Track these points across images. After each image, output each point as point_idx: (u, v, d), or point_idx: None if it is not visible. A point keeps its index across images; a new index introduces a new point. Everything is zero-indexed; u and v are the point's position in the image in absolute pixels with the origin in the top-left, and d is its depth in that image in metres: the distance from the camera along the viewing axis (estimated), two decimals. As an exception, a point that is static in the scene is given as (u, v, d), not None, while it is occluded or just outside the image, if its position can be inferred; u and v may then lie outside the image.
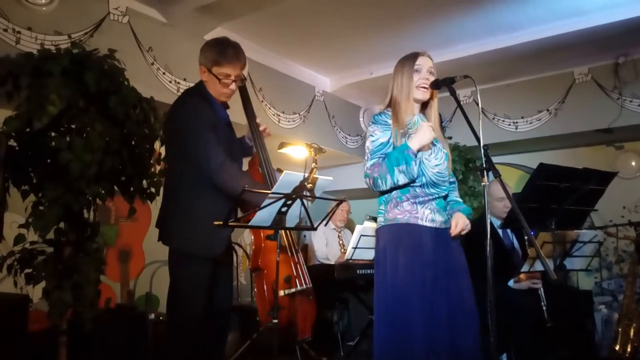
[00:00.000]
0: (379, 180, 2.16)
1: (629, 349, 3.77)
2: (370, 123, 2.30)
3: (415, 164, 2.15)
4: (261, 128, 2.72)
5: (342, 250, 4.93)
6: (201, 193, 2.33)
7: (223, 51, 2.40)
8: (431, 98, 2.32)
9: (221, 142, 2.34)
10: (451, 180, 2.41)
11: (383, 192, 2.26)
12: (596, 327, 4.32)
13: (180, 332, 2.35)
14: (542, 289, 3.26)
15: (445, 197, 2.34)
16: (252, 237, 3.54)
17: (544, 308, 3.18)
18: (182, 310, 2.35)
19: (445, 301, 2.12)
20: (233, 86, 2.44)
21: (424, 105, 2.35)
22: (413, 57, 2.29)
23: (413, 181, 2.19)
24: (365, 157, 2.27)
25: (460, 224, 2.20)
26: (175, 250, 2.39)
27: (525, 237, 3.52)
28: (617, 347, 3.82)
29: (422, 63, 2.27)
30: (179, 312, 2.37)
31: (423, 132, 2.15)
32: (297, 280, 3.47)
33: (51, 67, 2.60)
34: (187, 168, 2.35)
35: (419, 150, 2.18)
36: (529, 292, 3.29)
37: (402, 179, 2.14)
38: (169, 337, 2.44)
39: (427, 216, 2.20)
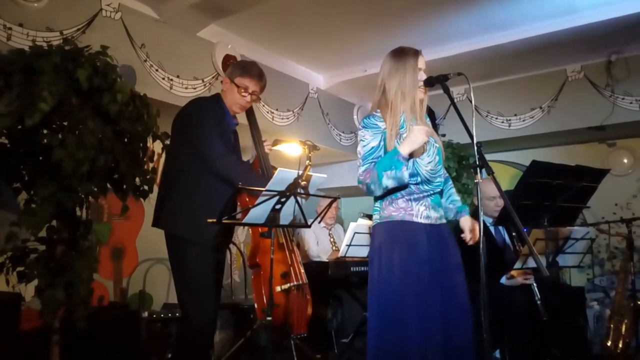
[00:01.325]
0: (372, 186, 2.14)
1: (620, 345, 3.80)
2: (360, 127, 2.25)
3: (407, 168, 2.12)
4: (266, 144, 2.91)
5: (334, 247, 4.92)
6: (201, 179, 2.43)
7: (249, 68, 2.70)
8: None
9: (225, 139, 2.50)
10: (446, 176, 2.42)
11: (378, 197, 2.25)
12: (588, 323, 4.35)
13: (196, 323, 2.40)
14: (535, 284, 3.28)
15: (440, 193, 2.34)
16: (250, 234, 3.54)
17: (539, 303, 3.19)
18: (199, 291, 2.41)
19: (440, 297, 2.12)
20: (248, 98, 2.67)
21: None
22: (414, 55, 2.23)
23: (405, 185, 2.18)
24: (358, 163, 2.23)
25: (476, 231, 2.23)
26: (171, 236, 2.42)
27: (513, 234, 3.54)
28: (609, 343, 3.85)
29: (422, 65, 2.25)
30: (194, 293, 2.41)
31: (414, 136, 2.10)
32: (293, 276, 3.47)
33: (43, 64, 2.57)
34: (190, 154, 2.46)
35: (411, 155, 2.15)
36: (522, 288, 3.31)
37: (391, 184, 2.12)
38: (184, 330, 2.48)
39: (422, 213, 2.20)
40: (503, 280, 3.36)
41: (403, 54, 2.25)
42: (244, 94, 2.64)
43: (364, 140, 2.21)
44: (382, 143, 2.19)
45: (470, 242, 2.26)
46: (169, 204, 2.45)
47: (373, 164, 2.15)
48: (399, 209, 2.19)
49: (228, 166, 2.41)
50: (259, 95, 2.73)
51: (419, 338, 2.04)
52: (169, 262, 2.47)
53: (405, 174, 2.11)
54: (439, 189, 2.31)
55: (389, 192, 2.21)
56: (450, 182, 2.46)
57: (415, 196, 2.21)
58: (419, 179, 2.20)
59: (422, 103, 2.29)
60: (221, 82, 2.77)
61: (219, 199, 2.36)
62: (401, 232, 2.17)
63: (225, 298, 4.45)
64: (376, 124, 2.21)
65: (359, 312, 4.34)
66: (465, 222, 2.31)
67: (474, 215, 2.12)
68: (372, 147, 2.18)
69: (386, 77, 2.26)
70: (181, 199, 2.43)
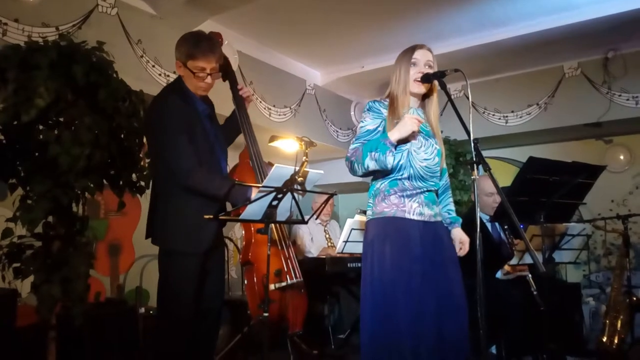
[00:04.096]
0: (355, 165, 2.20)
1: (616, 341, 3.82)
2: (365, 109, 2.31)
3: (392, 154, 2.14)
4: (243, 91, 2.71)
5: (329, 243, 4.92)
6: (186, 189, 2.32)
7: (197, 44, 2.37)
8: (431, 92, 2.31)
9: (196, 141, 2.32)
10: (447, 184, 2.43)
11: (375, 178, 2.28)
12: (584, 319, 4.37)
13: (170, 328, 2.35)
14: (530, 275, 3.29)
15: (436, 192, 2.34)
16: (243, 231, 3.53)
17: (535, 293, 3.20)
18: (172, 307, 2.35)
19: (434, 294, 2.12)
20: (209, 80, 2.42)
21: (424, 99, 2.34)
22: (411, 50, 2.29)
23: (389, 171, 2.20)
24: (351, 141, 2.30)
25: (466, 245, 2.32)
26: (163, 248, 2.39)
27: (506, 230, 3.54)
28: (604, 339, 3.87)
29: (419, 57, 2.27)
30: (168, 308, 2.37)
31: (403, 123, 2.13)
32: (287, 274, 3.46)
33: (39, 60, 2.56)
34: (167, 166, 2.34)
35: (402, 142, 2.17)
36: (518, 282, 3.32)
37: (372, 166, 2.15)
38: (159, 334, 2.44)
39: (414, 209, 2.20)
40: (499, 274, 3.37)
41: (404, 51, 2.32)
42: (202, 77, 2.37)
43: (363, 122, 2.29)
44: (379, 128, 2.24)
45: (460, 254, 2.30)
46: (158, 216, 2.38)
47: (362, 144, 2.21)
48: (391, 205, 2.20)
49: (197, 183, 2.27)
50: (219, 69, 2.45)
51: (410, 334, 2.05)
52: (158, 268, 2.43)
53: (389, 159, 2.14)
54: (434, 188, 2.30)
55: (382, 186, 2.23)
56: (450, 191, 2.47)
57: (408, 193, 2.21)
58: (411, 172, 2.20)
59: (430, 97, 2.32)
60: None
61: (207, 205, 2.33)
62: (393, 228, 2.17)
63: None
64: (379, 109, 2.27)
65: (356, 308, 4.34)
66: (457, 234, 2.36)
67: (473, 210, 2.12)
68: (367, 130, 2.25)
69: (391, 72, 2.34)
70: (169, 210, 2.34)
